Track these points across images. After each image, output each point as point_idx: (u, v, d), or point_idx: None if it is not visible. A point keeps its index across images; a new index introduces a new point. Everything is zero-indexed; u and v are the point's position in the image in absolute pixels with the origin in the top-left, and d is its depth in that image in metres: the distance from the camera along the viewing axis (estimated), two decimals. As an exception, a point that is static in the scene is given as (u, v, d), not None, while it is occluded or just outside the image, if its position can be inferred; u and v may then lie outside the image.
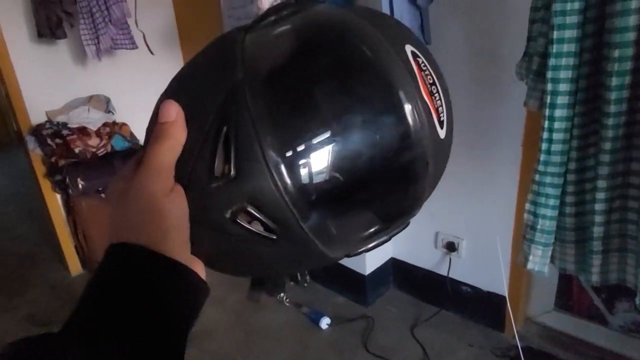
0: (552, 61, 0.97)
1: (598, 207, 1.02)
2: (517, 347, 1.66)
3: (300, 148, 0.30)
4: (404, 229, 0.38)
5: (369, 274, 2.06)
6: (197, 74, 0.35)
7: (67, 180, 2.16)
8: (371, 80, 0.32)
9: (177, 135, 0.31)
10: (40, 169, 2.32)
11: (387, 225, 0.36)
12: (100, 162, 2.26)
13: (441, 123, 0.36)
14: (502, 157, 1.66)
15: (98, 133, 2.28)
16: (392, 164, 0.33)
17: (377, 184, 0.34)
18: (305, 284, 2.18)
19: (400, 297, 2.15)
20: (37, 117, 2.27)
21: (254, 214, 0.31)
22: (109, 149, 2.30)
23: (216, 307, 2.10)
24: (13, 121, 2.37)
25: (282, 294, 2.12)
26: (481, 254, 1.84)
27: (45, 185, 2.34)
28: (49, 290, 2.43)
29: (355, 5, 0.33)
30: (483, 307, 1.90)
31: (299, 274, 2.18)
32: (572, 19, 0.93)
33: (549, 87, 1.00)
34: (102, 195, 2.28)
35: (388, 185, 0.34)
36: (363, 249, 0.36)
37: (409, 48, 0.35)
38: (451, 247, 1.92)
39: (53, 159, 2.17)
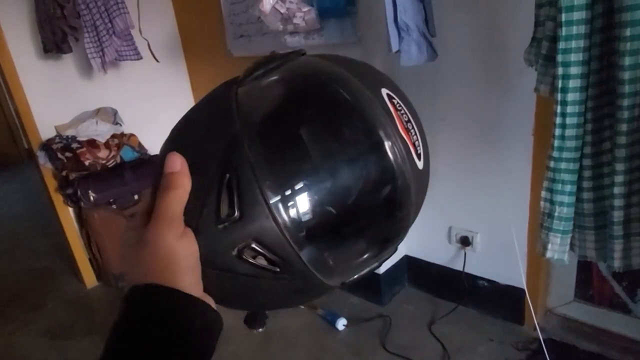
0: (561, 44, 0.96)
1: (617, 190, 0.99)
2: (539, 339, 1.63)
3: (296, 189, 0.34)
4: (393, 253, 0.42)
5: (383, 273, 2.04)
6: (197, 126, 0.39)
7: (79, 193, 2.18)
8: (353, 122, 0.36)
9: (183, 185, 0.34)
10: (51, 183, 2.34)
11: (378, 251, 0.40)
12: (110, 174, 2.27)
13: (418, 155, 0.39)
14: (512, 147, 1.64)
15: (107, 145, 2.29)
16: (378, 195, 0.37)
17: (367, 214, 0.37)
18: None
19: (416, 294, 2.13)
20: (46, 132, 2.30)
21: (258, 250, 0.34)
22: (118, 160, 2.31)
23: (232, 312, 2.08)
24: (23, 137, 2.39)
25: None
26: (496, 247, 1.82)
27: (58, 199, 2.36)
28: (66, 304, 2.44)
29: (337, 55, 0.37)
30: (501, 301, 1.88)
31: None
32: (580, 0, 0.92)
33: (560, 70, 0.98)
34: (114, 206, 2.29)
35: (377, 214, 0.38)
36: (356, 276, 0.40)
37: (384, 91, 0.39)
38: (465, 241, 1.90)
39: (64, 173, 2.19)
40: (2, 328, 2.28)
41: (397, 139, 0.37)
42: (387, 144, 0.36)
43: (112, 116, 2.42)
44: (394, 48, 1.36)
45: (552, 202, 1.09)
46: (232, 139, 0.35)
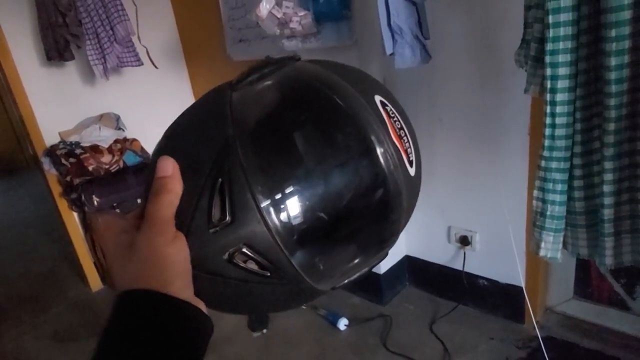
0: (549, 45, 0.97)
1: (606, 188, 1.01)
2: (539, 337, 1.64)
3: (288, 194, 0.34)
4: (383, 259, 0.42)
5: (384, 273, 2.05)
6: (190, 130, 0.39)
7: (83, 197, 2.21)
8: (346, 129, 0.36)
9: (174, 189, 0.34)
10: (56, 189, 2.37)
11: (368, 256, 0.40)
12: (113, 178, 2.30)
13: (410, 162, 0.39)
14: (509, 147, 1.65)
15: (110, 150, 2.32)
16: (370, 200, 0.37)
17: (359, 220, 0.37)
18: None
19: (416, 294, 2.14)
20: (50, 138, 2.34)
21: (249, 254, 0.34)
22: (121, 164, 2.34)
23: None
24: (28, 144, 2.43)
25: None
26: (495, 246, 1.83)
27: (62, 204, 2.39)
28: (71, 307, 2.48)
29: (331, 62, 0.38)
30: (501, 300, 1.89)
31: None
32: (567, 2, 0.93)
33: (548, 71, 0.99)
34: (117, 210, 2.32)
35: (368, 219, 0.38)
36: (347, 280, 0.40)
37: (378, 98, 0.39)
38: (464, 240, 1.91)
39: (68, 178, 2.22)
40: (10, 331, 2.32)
41: (390, 145, 0.37)
42: (380, 151, 0.36)
43: (115, 121, 2.45)
44: (388, 51, 1.38)
45: (544, 201, 1.10)
46: (225, 143, 0.35)
